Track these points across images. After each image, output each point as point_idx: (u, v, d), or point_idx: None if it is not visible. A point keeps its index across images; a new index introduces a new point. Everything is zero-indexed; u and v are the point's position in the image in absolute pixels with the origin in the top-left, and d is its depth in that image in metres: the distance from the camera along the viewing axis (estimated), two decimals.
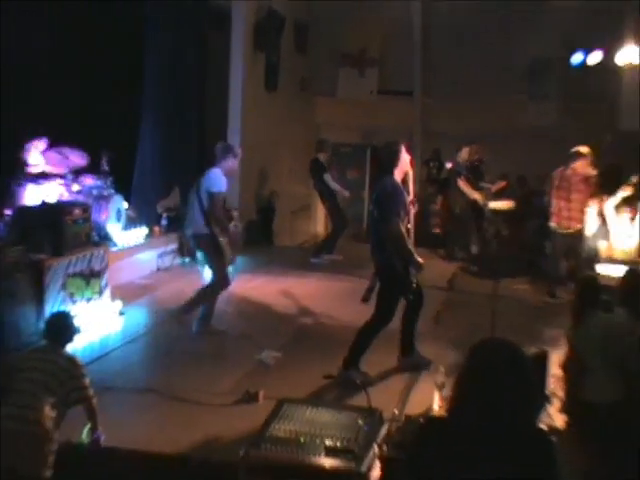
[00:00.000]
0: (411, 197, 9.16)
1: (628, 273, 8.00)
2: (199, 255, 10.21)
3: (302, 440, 5.39)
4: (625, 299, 7.23)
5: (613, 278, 11.25)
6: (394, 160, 8.58)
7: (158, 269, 13.03)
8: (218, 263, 9.85)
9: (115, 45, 13.58)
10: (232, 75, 15.46)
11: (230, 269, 10.18)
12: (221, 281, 9.93)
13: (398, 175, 8.63)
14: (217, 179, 9.65)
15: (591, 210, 12.94)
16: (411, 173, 9.12)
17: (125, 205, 12.62)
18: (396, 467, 5.50)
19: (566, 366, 7.25)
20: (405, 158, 8.70)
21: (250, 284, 12.10)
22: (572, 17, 17.87)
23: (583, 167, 12.72)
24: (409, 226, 8.89)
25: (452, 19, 18.41)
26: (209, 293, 9.99)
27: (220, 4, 14.92)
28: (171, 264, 13.32)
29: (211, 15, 15.22)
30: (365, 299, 8.62)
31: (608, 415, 6.39)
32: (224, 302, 10.45)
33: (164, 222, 13.76)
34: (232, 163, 9.99)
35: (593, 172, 12.85)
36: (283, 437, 5.43)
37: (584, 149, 12.87)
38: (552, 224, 12.94)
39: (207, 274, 10.36)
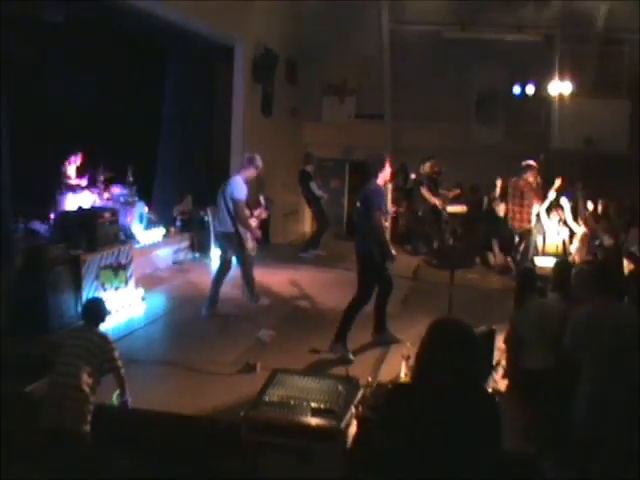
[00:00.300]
0: (390, 202, 9.29)
1: (559, 264, 8.08)
2: (226, 249, 10.21)
3: (292, 403, 5.46)
4: (557, 286, 7.30)
5: (546, 268, 11.38)
6: (380, 167, 8.69)
7: (173, 263, 13.02)
8: (243, 255, 9.97)
9: (139, 76, 13.68)
10: (234, 102, 15.44)
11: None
12: (247, 268, 10.08)
13: (381, 181, 8.74)
14: (239, 187, 9.75)
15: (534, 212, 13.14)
16: (389, 186, 9.28)
17: (146, 209, 12.64)
18: (370, 425, 5.56)
19: (508, 341, 7.32)
20: (388, 169, 8.82)
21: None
22: (514, 53, 17.95)
23: (531, 177, 12.94)
24: (386, 224, 9.00)
25: (417, 54, 18.39)
26: (247, 274, 10.13)
27: (225, 42, 14.91)
28: (184, 259, 13.31)
29: (218, 50, 15.21)
30: None
31: (541, 380, 6.46)
32: (229, 290, 10.45)
33: (178, 224, 13.83)
34: (252, 173, 10.09)
35: (539, 181, 13.06)
36: (276, 401, 5.51)
37: (532, 162, 13.09)
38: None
39: (214, 265, 10.41)
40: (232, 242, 9.92)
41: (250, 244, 10.01)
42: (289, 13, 17.71)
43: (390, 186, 9.54)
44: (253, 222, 10.15)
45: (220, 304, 10.12)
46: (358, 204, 8.78)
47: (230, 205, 9.69)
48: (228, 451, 5.65)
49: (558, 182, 13.33)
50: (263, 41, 16.00)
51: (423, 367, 3.67)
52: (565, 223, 13.59)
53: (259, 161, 10.11)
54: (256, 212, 10.49)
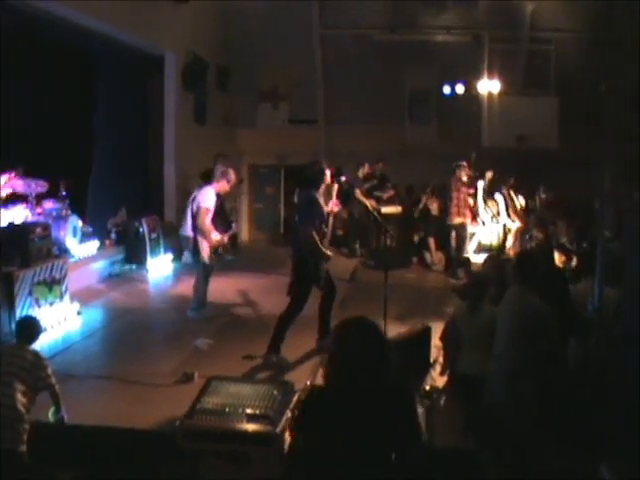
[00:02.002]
0: (333, 204, 9.34)
1: (488, 259, 8.27)
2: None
3: (227, 410, 5.50)
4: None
5: (478, 264, 11.65)
6: (319, 177, 8.70)
7: (109, 275, 12.88)
8: (198, 261, 10.13)
9: (70, 90, 13.54)
10: (166, 112, 15.45)
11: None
12: (200, 276, 10.20)
13: (320, 191, 8.75)
14: (207, 196, 9.92)
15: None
16: (336, 186, 9.37)
17: (80, 223, 12.53)
18: None
19: (444, 339, 7.46)
20: (327, 174, 8.89)
21: (185, 283, 11.93)
22: (444, 53, 18.21)
23: (463, 175, 13.25)
24: (326, 230, 9.07)
25: (348, 57, 18.56)
26: (197, 282, 10.24)
27: (154, 51, 14.88)
28: (120, 270, 13.22)
29: (148, 60, 15.17)
30: (289, 293, 8.80)
31: (477, 384, 6.61)
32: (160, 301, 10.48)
33: (113, 236, 13.65)
34: (224, 186, 10.27)
35: (471, 176, 13.38)
36: (211, 408, 5.54)
37: (462, 162, 13.42)
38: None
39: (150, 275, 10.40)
40: (189, 246, 10.22)
41: (206, 253, 10.07)
42: (218, 20, 17.76)
43: (336, 186, 9.56)
44: (216, 236, 10.20)
45: (162, 313, 10.15)
46: (296, 215, 8.84)
47: (194, 211, 9.92)
48: (166, 461, 5.68)
49: (489, 175, 13.67)
50: (193, 49, 16.03)
51: (332, 368, 3.75)
52: (499, 218, 13.87)
53: (232, 174, 10.31)
54: (223, 235, 10.61)
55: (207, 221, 9.92)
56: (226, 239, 10.76)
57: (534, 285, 6.27)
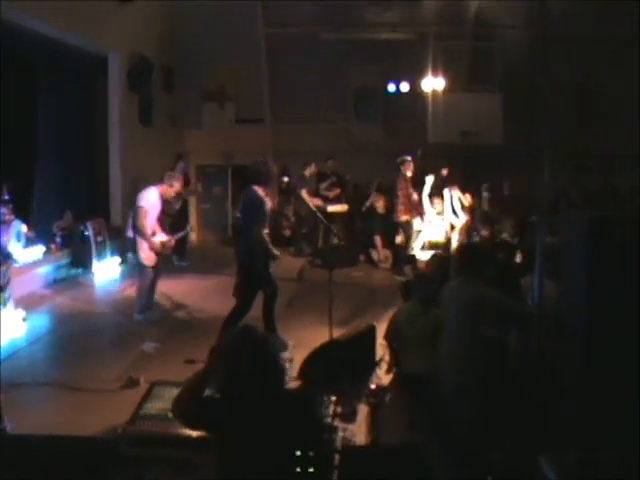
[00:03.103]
0: (274, 203, 9.38)
1: (431, 258, 8.33)
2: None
3: (170, 415, 5.48)
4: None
5: (424, 261, 11.74)
6: (265, 176, 8.73)
7: (55, 280, 12.73)
8: (139, 262, 10.04)
9: (12, 92, 13.31)
10: (111, 114, 15.32)
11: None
12: (142, 279, 10.15)
13: (265, 191, 8.75)
14: (147, 196, 9.88)
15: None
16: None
17: (25, 227, 12.38)
18: None
19: (389, 337, 7.51)
20: (274, 178, 8.90)
21: (132, 287, 11.67)
22: (389, 51, 18.35)
23: (408, 171, 13.34)
24: (266, 231, 9.07)
25: (294, 56, 18.59)
26: (139, 284, 10.20)
27: (98, 51, 14.74)
28: (66, 275, 13.07)
29: (92, 61, 15.02)
30: (235, 294, 8.78)
31: (422, 383, 6.68)
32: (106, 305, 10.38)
33: (59, 240, 13.52)
34: (168, 190, 10.16)
35: (413, 174, 13.46)
36: (155, 414, 5.52)
37: (407, 157, 13.51)
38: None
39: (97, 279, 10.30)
40: (130, 247, 10.19)
41: (145, 254, 9.96)
42: (163, 20, 17.65)
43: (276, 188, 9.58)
44: (160, 238, 10.10)
45: (108, 318, 10.07)
46: (238, 214, 8.80)
47: (133, 211, 9.93)
48: (110, 469, 5.62)
49: (444, 172, 13.80)
50: (137, 50, 15.91)
51: (224, 381, 3.80)
52: (445, 215, 13.96)
53: (178, 184, 10.27)
54: (172, 236, 10.51)
55: (145, 221, 9.82)
56: (172, 241, 10.59)
57: (477, 277, 6.39)
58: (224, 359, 3.82)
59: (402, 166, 13.58)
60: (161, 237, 10.08)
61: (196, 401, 3.88)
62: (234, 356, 3.77)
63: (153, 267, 10.12)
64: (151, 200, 9.86)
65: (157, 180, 10.40)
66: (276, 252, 8.74)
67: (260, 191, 8.64)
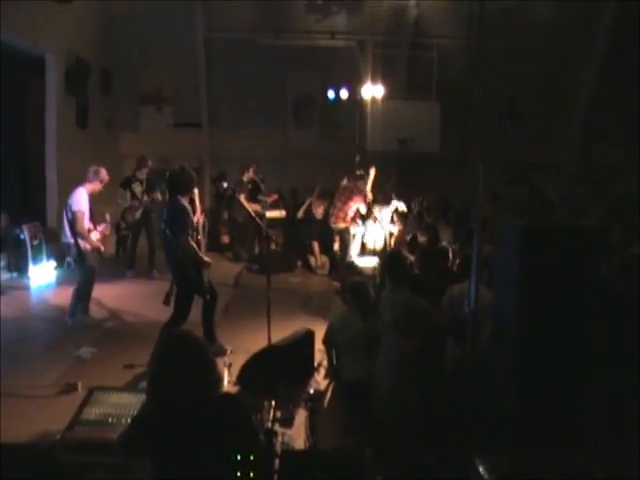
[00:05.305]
0: (199, 213, 9.34)
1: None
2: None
3: (110, 420, 5.48)
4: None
5: (366, 268, 11.87)
6: (187, 184, 8.68)
7: None
8: (82, 267, 9.95)
9: None
10: (47, 116, 15.13)
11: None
12: (83, 282, 10.03)
13: (187, 199, 8.71)
14: (78, 198, 9.75)
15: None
16: (197, 192, 9.28)
17: None
18: None
19: (327, 342, 7.60)
20: (195, 188, 8.85)
21: (68, 291, 11.26)
22: (328, 58, 18.51)
23: (362, 184, 13.50)
24: (199, 237, 9.04)
25: (232, 61, 18.64)
26: (81, 292, 10.03)
27: (34, 52, 14.55)
28: (1, 279, 12.84)
29: (28, 62, 14.82)
30: (166, 302, 8.74)
31: (358, 389, 6.79)
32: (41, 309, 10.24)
33: None
34: (97, 186, 10.07)
35: (363, 186, 13.58)
36: (94, 419, 5.50)
37: (360, 172, 13.67)
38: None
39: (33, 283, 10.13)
40: (72, 253, 9.94)
41: (90, 255, 9.91)
42: (101, 22, 17.51)
43: (197, 191, 9.45)
44: (96, 236, 10.02)
45: (43, 323, 9.95)
46: (162, 225, 8.66)
47: (70, 216, 9.69)
48: (46, 475, 5.58)
49: (372, 172, 13.94)
50: (75, 51, 15.76)
51: (155, 388, 3.85)
52: (382, 222, 14.10)
53: (104, 174, 10.11)
54: (100, 227, 10.25)
55: (84, 224, 9.77)
56: (107, 229, 10.52)
57: (404, 284, 6.57)
58: (159, 364, 3.85)
59: (357, 180, 13.74)
60: (96, 235, 10.02)
61: (130, 426, 3.96)
62: (170, 361, 3.80)
63: (92, 266, 10.07)
64: (83, 201, 9.78)
65: None
66: (207, 259, 8.67)
67: (183, 200, 8.55)
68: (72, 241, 9.79)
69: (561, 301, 5.40)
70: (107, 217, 10.95)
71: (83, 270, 10.04)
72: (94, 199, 10.18)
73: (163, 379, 3.78)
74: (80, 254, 9.85)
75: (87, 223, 9.89)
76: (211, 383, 3.85)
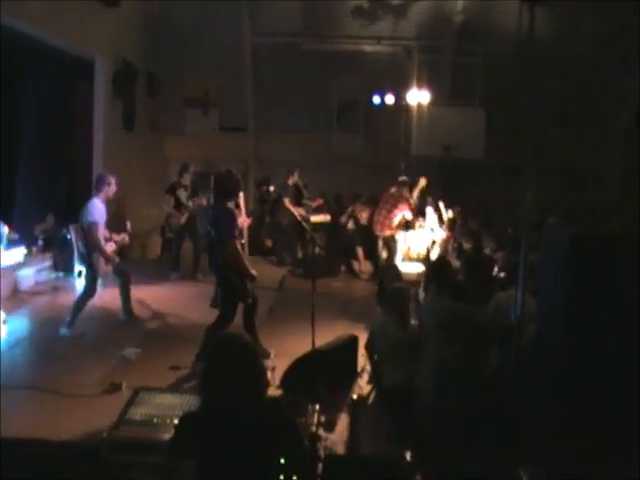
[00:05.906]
0: (244, 216, 9.35)
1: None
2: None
3: (155, 421, 5.52)
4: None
5: (409, 274, 11.82)
6: (234, 187, 8.63)
7: (36, 283, 12.70)
8: (90, 279, 9.91)
9: None
10: (95, 118, 15.32)
11: (100, 281, 10.21)
12: (86, 294, 9.94)
13: (232, 202, 8.68)
14: (93, 209, 9.63)
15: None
16: (242, 195, 9.26)
17: (6, 229, 12.36)
18: None
19: (369, 347, 7.60)
20: (240, 191, 8.84)
21: (112, 292, 11.17)
22: (373, 63, 18.50)
23: (405, 192, 13.46)
24: (243, 241, 9.04)
25: (278, 65, 18.69)
26: (80, 299, 9.97)
27: (84, 56, 14.73)
28: (47, 278, 13.03)
29: (77, 65, 15.00)
30: (213, 305, 8.77)
31: (398, 395, 6.76)
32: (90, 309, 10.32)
33: (40, 243, 13.50)
34: (108, 192, 9.93)
35: (407, 195, 13.54)
36: (139, 419, 5.55)
37: (404, 178, 13.63)
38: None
39: (78, 283, 10.21)
40: (85, 263, 9.88)
41: (102, 267, 9.88)
42: (147, 24, 17.63)
43: (242, 196, 9.39)
44: (111, 247, 9.99)
45: (89, 322, 10.02)
46: (208, 227, 8.63)
47: (85, 227, 9.62)
48: (90, 474, 5.62)
49: (422, 182, 13.88)
50: (123, 55, 15.93)
51: (204, 389, 3.87)
52: (426, 229, 14.04)
53: (110, 178, 10.00)
54: (119, 237, 10.26)
55: (100, 235, 9.68)
56: (126, 238, 10.48)
57: (447, 290, 6.54)
58: (209, 365, 3.87)
59: (400, 187, 13.71)
60: (112, 246, 10.02)
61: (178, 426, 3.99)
62: (219, 363, 3.82)
63: (97, 279, 10.04)
64: (99, 212, 9.70)
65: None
66: (253, 272, 8.54)
67: (229, 203, 8.52)
68: (84, 251, 9.79)
69: (610, 312, 5.30)
70: (128, 225, 10.98)
71: (88, 283, 9.97)
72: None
73: (211, 380, 3.80)
74: (90, 265, 9.79)
75: (103, 232, 9.83)
76: (259, 386, 3.86)
